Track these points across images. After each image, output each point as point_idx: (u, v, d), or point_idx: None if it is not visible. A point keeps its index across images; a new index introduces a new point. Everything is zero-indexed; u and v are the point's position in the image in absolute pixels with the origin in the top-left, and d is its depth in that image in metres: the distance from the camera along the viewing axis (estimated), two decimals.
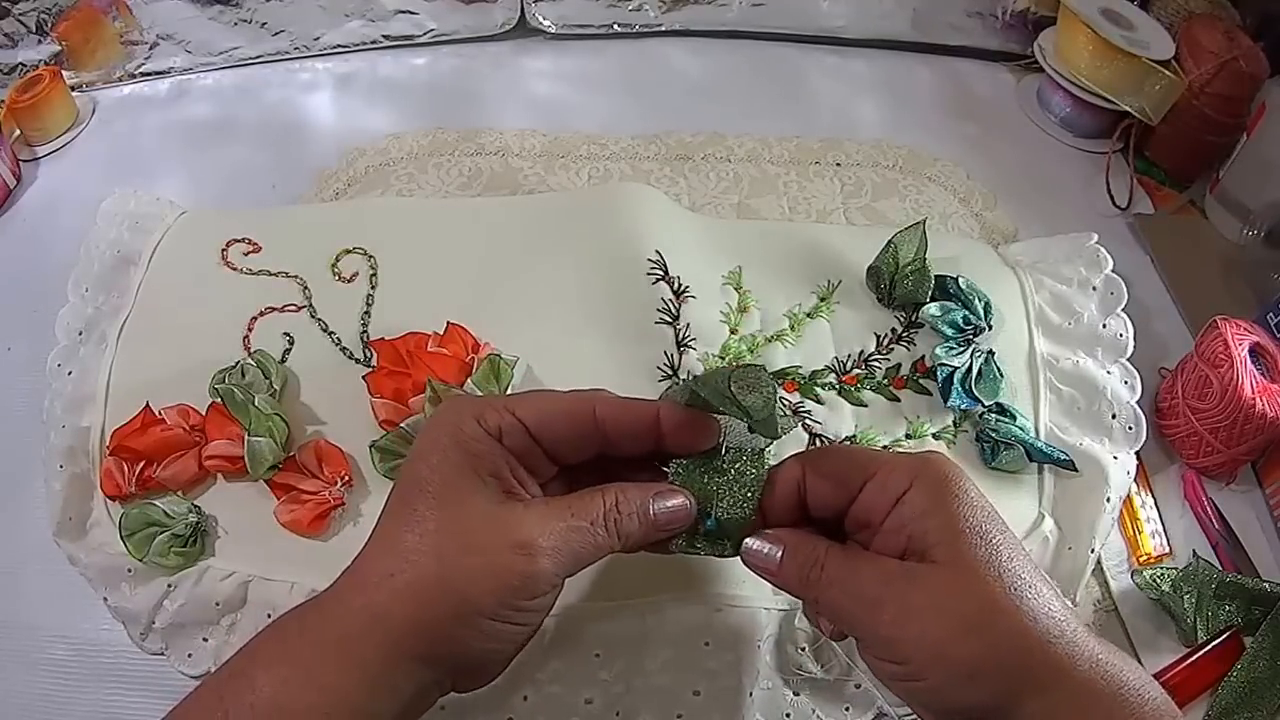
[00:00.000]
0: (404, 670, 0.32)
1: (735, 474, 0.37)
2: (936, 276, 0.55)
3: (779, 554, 0.35)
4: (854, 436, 0.50)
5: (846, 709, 0.45)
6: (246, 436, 0.48)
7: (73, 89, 0.74)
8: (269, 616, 0.45)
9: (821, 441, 0.50)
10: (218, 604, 0.45)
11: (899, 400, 0.52)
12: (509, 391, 0.51)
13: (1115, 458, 0.50)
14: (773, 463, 0.38)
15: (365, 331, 0.55)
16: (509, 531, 0.33)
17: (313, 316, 0.56)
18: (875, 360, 0.54)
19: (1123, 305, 0.54)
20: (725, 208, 0.68)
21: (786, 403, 0.36)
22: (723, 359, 0.53)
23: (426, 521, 0.33)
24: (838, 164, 0.71)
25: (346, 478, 0.48)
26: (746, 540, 0.36)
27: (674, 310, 0.54)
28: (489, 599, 0.32)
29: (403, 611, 0.32)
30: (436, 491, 0.33)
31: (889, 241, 0.55)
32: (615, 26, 0.82)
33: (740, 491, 0.37)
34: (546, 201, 0.65)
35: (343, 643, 0.32)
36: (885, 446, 0.50)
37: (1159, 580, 0.49)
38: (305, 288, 0.57)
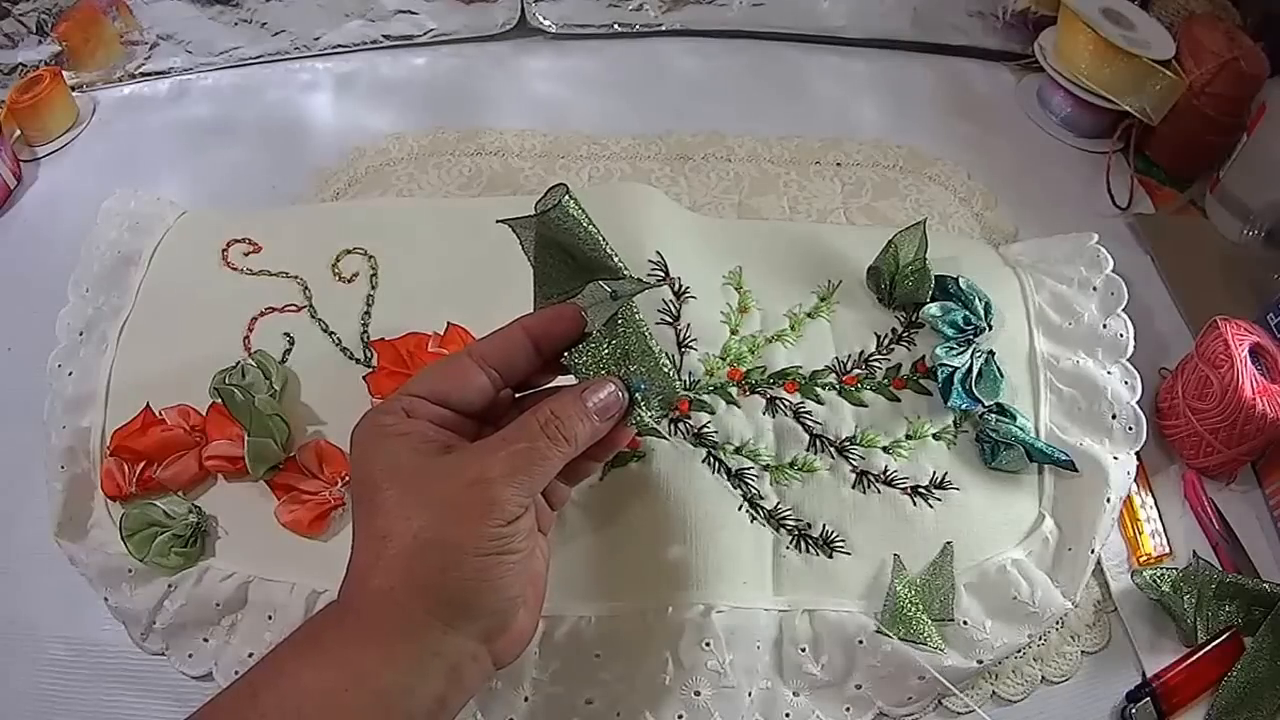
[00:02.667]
0: (425, 641, 0.33)
1: (623, 338, 0.38)
2: (937, 276, 0.55)
3: None
4: (854, 437, 0.50)
5: (847, 709, 0.45)
6: (247, 437, 0.48)
7: (73, 89, 0.74)
8: (269, 617, 0.45)
9: (822, 443, 0.50)
10: (218, 604, 0.45)
11: (899, 400, 0.52)
12: None
13: (1115, 458, 0.50)
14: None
15: (365, 331, 0.55)
16: (458, 474, 0.34)
17: (313, 317, 0.56)
18: (875, 360, 0.54)
19: (1123, 305, 0.54)
20: (725, 208, 0.67)
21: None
22: (723, 360, 0.53)
23: (387, 501, 0.34)
24: (838, 164, 0.71)
25: (346, 478, 0.48)
26: None
27: (674, 310, 0.54)
28: (466, 535, 0.33)
29: (400, 580, 0.33)
30: (384, 478, 0.34)
31: (889, 241, 0.55)
32: (615, 26, 0.82)
33: (638, 350, 0.38)
34: None
35: (359, 626, 0.33)
36: (885, 448, 0.50)
37: (1159, 580, 0.49)
38: (305, 288, 0.57)
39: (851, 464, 0.50)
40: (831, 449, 0.50)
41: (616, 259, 0.38)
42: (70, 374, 0.53)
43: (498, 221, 0.39)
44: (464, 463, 0.34)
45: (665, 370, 0.38)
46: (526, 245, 0.39)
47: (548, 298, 0.40)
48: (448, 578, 0.33)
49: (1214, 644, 0.46)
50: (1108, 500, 0.48)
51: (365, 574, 0.33)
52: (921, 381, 0.53)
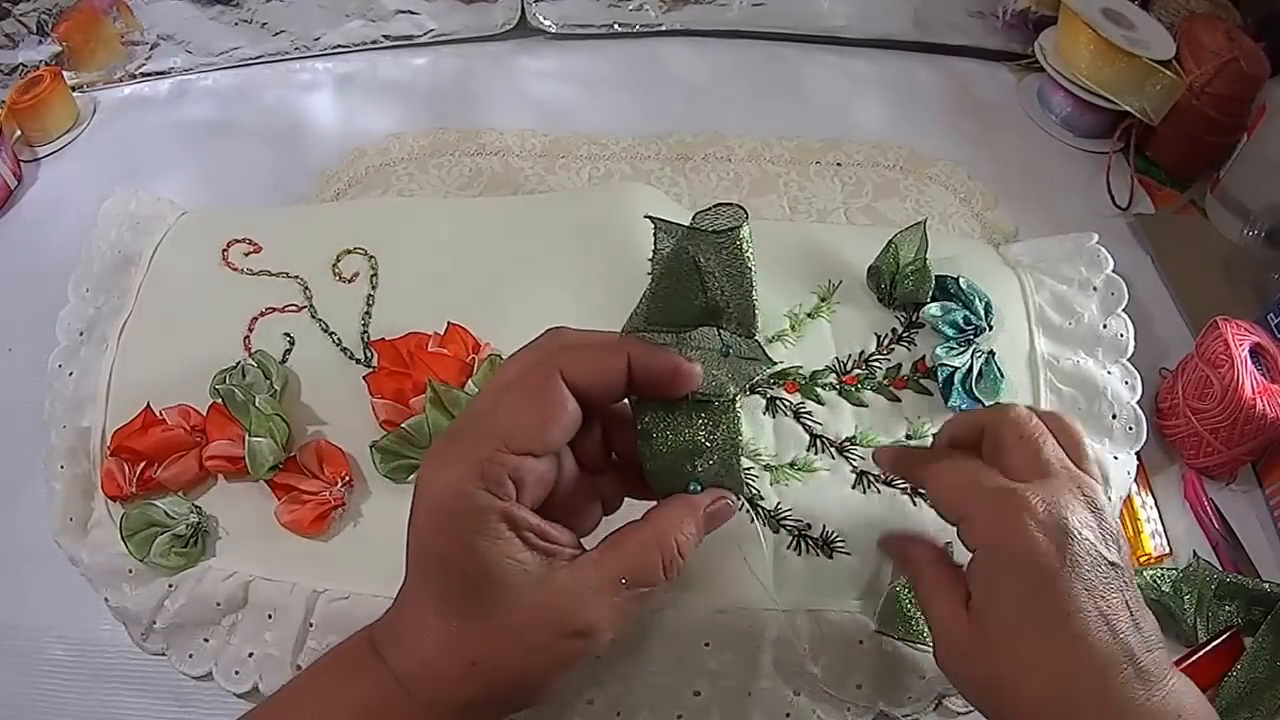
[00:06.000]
0: None
1: (709, 432, 0.34)
2: (937, 276, 0.55)
3: None
4: (854, 437, 0.50)
5: (848, 709, 0.45)
6: (247, 437, 0.48)
7: (73, 89, 0.74)
8: (270, 617, 0.45)
9: (822, 443, 0.50)
10: (219, 604, 0.45)
11: (899, 400, 0.52)
12: None
13: (1116, 458, 0.50)
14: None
15: (366, 332, 0.55)
16: (565, 619, 0.32)
17: (313, 317, 0.56)
18: (876, 360, 0.54)
19: (1123, 305, 0.54)
20: None
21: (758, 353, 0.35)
22: None
23: (476, 619, 0.32)
24: (838, 164, 0.71)
25: (347, 478, 0.48)
26: None
27: None
28: (554, 677, 0.33)
29: (480, 698, 0.33)
30: (474, 587, 0.32)
31: (889, 241, 0.55)
32: (616, 26, 0.82)
33: (718, 451, 0.35)
34: (547, 202, 0.65)
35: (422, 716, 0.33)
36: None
37: (1159, 580, 0.49)
38: (306, 288, 0.57)
39: (852, 464, 0.50)
40: (832, 449, 0.50)
41: (755, 314, 0.34)
42: (71, 374, 0.53)
43: (646, 216, 0.34)
44: (571, 604, 0.32)
45: (737, 478, 0.35)
46: (661, 254, 0.34)
47: (651, 323, 0.34)
48: (517, 702, 0.34)
49: (1214, 644, 0.46)
50: (1108, 500, 0.48)
51: (442, 680, 0.32)
52: (922, 381, 0.53)
